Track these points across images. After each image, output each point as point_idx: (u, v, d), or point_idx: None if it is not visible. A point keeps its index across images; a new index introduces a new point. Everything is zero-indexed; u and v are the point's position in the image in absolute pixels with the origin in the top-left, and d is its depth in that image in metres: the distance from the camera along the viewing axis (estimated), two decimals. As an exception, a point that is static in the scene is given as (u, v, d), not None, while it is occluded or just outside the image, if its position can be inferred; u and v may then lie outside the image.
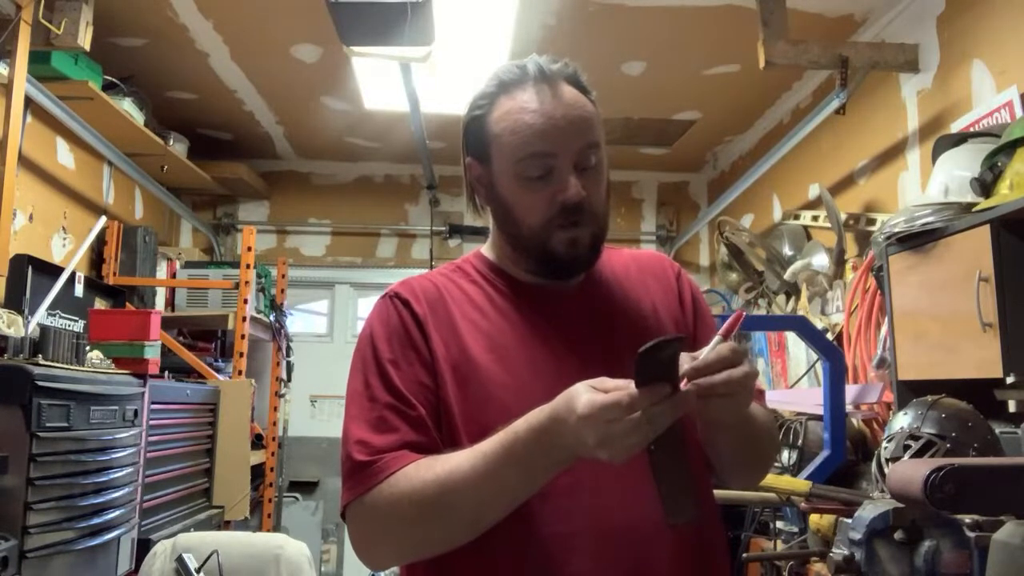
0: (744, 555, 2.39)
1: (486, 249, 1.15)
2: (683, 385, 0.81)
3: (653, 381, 0.78)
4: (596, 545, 0.94)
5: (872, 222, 2.87)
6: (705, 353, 0.83)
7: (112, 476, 2.19)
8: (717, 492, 1.90)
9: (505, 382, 0.99)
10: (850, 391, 2.52)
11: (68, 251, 3.26)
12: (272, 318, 4.00)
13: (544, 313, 1.06)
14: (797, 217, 3.53)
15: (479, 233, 4.46)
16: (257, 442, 3.75)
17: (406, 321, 1.03)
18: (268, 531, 3.82)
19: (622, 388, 0.79)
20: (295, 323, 4.56)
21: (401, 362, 1.00)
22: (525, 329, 1.04)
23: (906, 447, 1.68)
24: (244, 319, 3.53)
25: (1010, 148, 1.81)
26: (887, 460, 1.70)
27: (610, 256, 1.14)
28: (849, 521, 1.50)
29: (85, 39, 2.53)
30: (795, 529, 2.25)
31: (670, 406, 0.78)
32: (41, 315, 2.59)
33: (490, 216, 1.11)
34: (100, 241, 3.46)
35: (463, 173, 1.11)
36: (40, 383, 1.89)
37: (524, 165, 1.01)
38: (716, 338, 0.85)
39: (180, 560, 2.08)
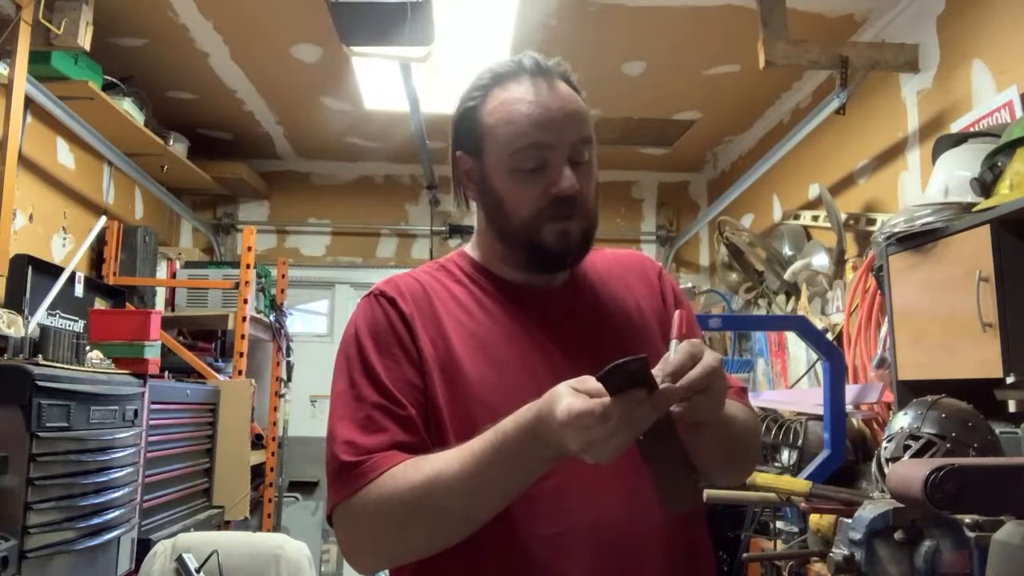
0: (744, 555, 2.39)
1: (470, 248, 1.14)
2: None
3: (626, 390, 0.77)
4: (586, 546, 0.94)
5: (872, 222, 2.87)
6: (672, 358, 0.82)
7: (112, 476, 2.19)
8: (718, 493, 1.91)
9: (492, 382, 0.98)
10: (850, 391, 2.52)
11: (68, 251, 3.26)
12: (272, 318, 4.00)
13: (530, 312, 1.05)
14: (797, 217, 3.53)
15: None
16: (257, 442, 3.75)
17: (392, 319, 1.02)
18: (268, 531, 3.82)
19: (602, 393, 0.78)
20: (295, 323, 4.56)
21: (388, 361, 0.99)
22: (511, 328, 1.04)
23: (906, 447, 1.68)
24: (244, 319, 3.53)
25: (1010, 148, 1.82)
26: (887, 460, 1.70)
27: (593, 256, 1.14)
28: (849, 521, 1.50)
29: (85, 39, 2.53)
30: (795, 529, 2.25)
31: (649, 406, 0.77)
32: (41, 315, 2.59)
33: (476, 212, 1.10)
34: (100, 241, 3.46)
35: (451, 168, 1.10)
36: (40, 383, 1.89)
37: (519, 156, 1.00)
38: (673, 341, 0.85)
39: (180, 560, 2.08)
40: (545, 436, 0.82)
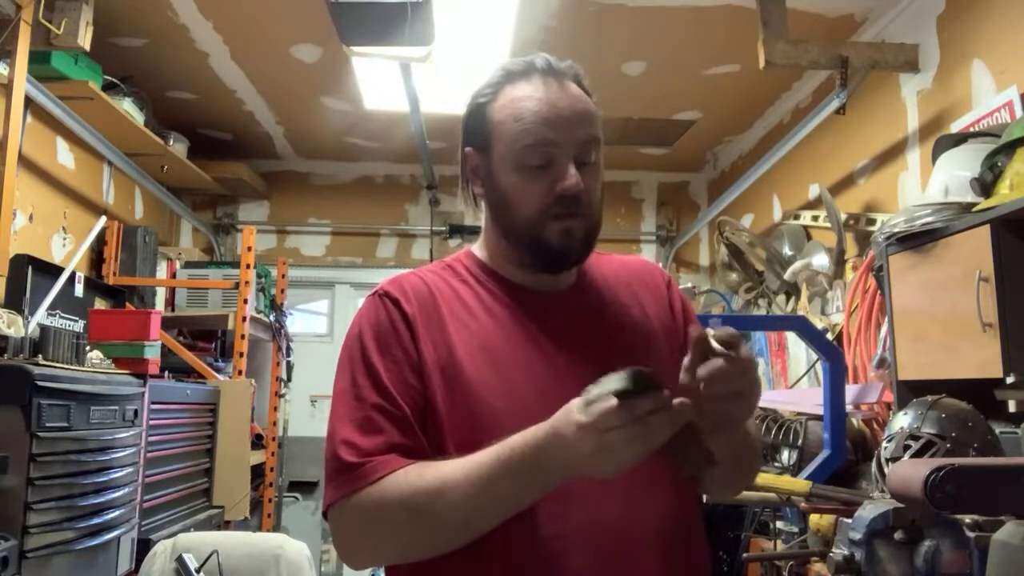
0: (744, 555, 2.39)
1: (477, 248, 1.14)
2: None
3: (646, 392, 0.79)
4: (584, 548, 0.94)
5: (872, 222, 2.87)
6: (720, 330, 0.85)
7: (112, 476, 2.19)
8: (717, 492, 1.91)
9: (494, 384, 0.99)
10: (850, 391, 2.52)
11: (68, 251, 3.26)
12: (272, 318, 4.00)
13: (534, 315, 1.05)
14: (797, 217, 3.53)
15: (479, 233, 4.47)
16: (257, 442, 3.75)
17: (395, 320, 1.02)
18: (268, 531, 3.82)
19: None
20: (295, 323, 4.56)
21: (390, 362, 1.00)
22: (515, 331, 1.04)
23: (906, 447, 1.68)
24: (244, 319, 3.52)
25: (1010, 148, 1.82)
26: (887, 460, 1.70)
27: (599, 261, 1.14)
28: (849, 521, 1.50)
29: (85, 39, 2.53)
30: (795, 529, 2.25)
31: (667, 417, 0.79)
32: (41, 315, 2.59)
33: (483, 211, 1.11)
34: (100, 241, 3.46)
35: (460, 164, 1.11)
36: (40, 383, 1.89)
37: (526, 152, 1.01)
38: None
39: (180, 560, 2.08)
40: (557, 451, 0.83)
